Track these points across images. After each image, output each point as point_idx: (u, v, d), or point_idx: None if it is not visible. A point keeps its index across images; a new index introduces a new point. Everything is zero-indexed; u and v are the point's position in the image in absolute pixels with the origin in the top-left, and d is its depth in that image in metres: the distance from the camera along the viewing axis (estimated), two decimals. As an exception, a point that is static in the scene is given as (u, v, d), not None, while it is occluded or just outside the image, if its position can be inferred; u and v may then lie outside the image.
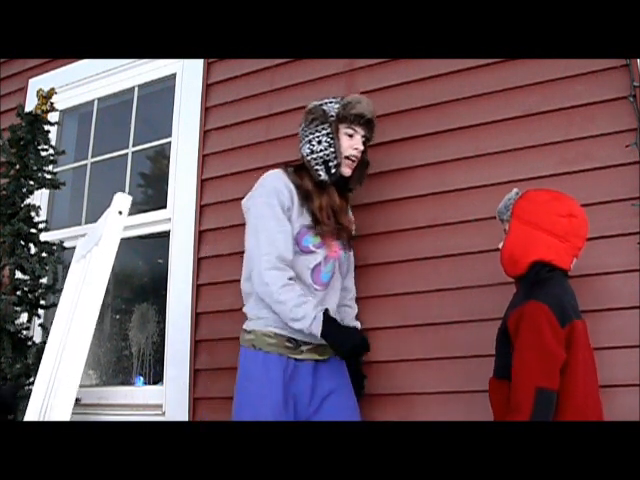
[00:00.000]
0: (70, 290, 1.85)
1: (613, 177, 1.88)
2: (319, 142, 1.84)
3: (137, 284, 3.56)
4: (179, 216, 2.62)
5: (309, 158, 1.85)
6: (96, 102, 3.11)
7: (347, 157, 1.86)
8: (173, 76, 2.83)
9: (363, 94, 2.30)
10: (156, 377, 2.97)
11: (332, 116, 1.86)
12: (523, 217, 1.55)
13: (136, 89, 2.98)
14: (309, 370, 1.82)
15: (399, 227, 2.15)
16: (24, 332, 2.41)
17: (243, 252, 2.41)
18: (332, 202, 1.87)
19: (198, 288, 2.50)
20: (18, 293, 2.45)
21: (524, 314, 1.45)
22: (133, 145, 2.94)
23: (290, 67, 2.49)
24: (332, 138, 1.84)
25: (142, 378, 3.16)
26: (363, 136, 1.89)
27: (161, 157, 3.30)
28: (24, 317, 2.46)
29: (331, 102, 1.90)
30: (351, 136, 1.87)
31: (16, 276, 2.48)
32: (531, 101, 2.03)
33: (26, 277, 2.46)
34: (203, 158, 2.62)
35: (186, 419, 2.35)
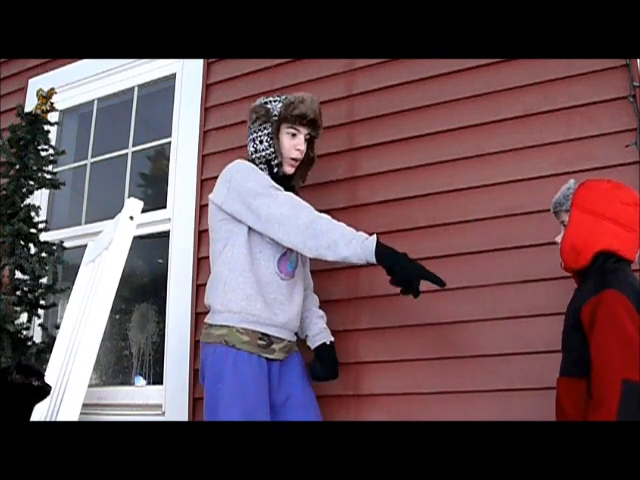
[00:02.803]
0: (79, 294, 1.86)
1: (613, 177, 1.86)
2: (261, 142, 1.87)
3: (137, 284, 3.55)
4: (179, 216, 2.62)
5: (253, 157, 1.89)
6: (96, 102, 3.11)
7: (290, 157, 1.87)
8: (173, 76, 2.83)
9: (363, 94, 2.32)
10: (156, 377, 2.97)
11: (275, 116, 1.86)
12: (585, 206, 1.49)
13: (136, 89, 2.98)
14: (277, 368, 1.82)
15: (399, 227, 2.15)
16: (24, 332, 2.41)
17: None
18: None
19: (198, 288, 2.50)
20: (18, 293, 2.45)
21: (600, 304, 1.38)
22: (133, 145, 2.94)
23: (290, 67, 2.49)
24: (272, 138, 1.86)
25: (141, 378, 3.16)
26: (307, 134, 1.90)
27: (161, 157, 3.30)
28: (24, 317, 2.46)
29: (275, 101, 1.90)
30: (294, 135, 1.88)
31: (16, 276, 2.48)
32: (531, 101, 2.03)
33: (26, 277, 2.46)
34: (203, 158, 2.62)
35: (186, 419, 2.35)
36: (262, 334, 1.77)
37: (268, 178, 1.83)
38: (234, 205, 1.80)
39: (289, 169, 1.89)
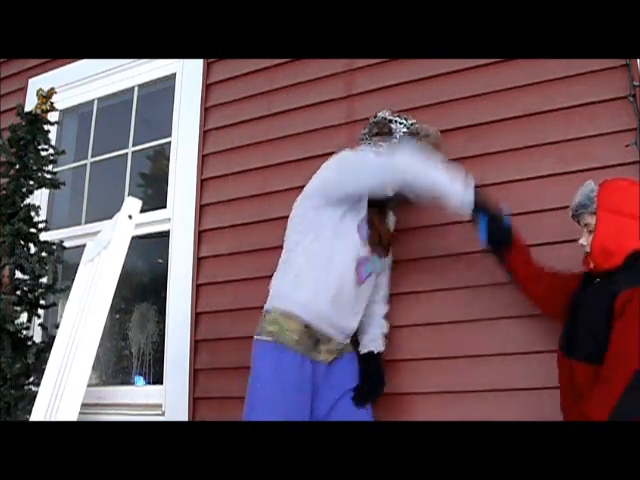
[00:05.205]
0: (78, 293, 1.85)
1: (613, 177, 1.88)
2: None
3: (137, 284, 3.56)
4: (179, 216, 2.62)
5: None
6: (96, 102, 3.12)
7: None
8: (173, 76, 2.84)
9: (362, 94, 2.33)
10: (156, 377, 2.97)
11: (396, 138, 1.84)
12: (610, 207, 1.50)
13: (136, 89, 2.99)
14: (323, 370, 1.81)
15: (399, 226, 2.15)
16: (24, 332, 2.41)
17: (243, 252, 2.43)
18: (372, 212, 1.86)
19: (198, 288, 2.50)
20: (18, 293, 2.45)
21: (635, 296, 1.40)
22: (133, 145, 2.94)
23: (290, 67, 2.49)
24: None
25: (142, 378, 3.16)
26: None
27: (161, 157, 3.30)
28: (24, 317, 2.46)
29: (401, 122, 1.87)
30: None
31: (16, 276, 2.48)
32: (530, 101, 2.03)
33: (26, 277, 2.46)
34: (203, 158, 2.62)
35: (186, 419, 2.35)
36: (312, 332, 1.75)
37: None
38: (344, 173, 1.79)
39: (389, 191, 1.85)
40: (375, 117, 1.92)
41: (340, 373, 1.85)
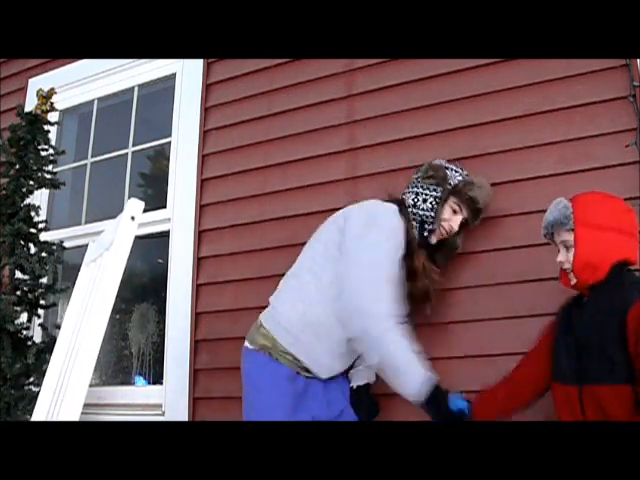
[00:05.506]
0: (80, 294, 1.85)
1: (613, 177, 1.88)
2: (424, 201, 1.84)
3: (137, 284, 3.55)
4: (179, 216, 2.62)
5: (409, 210, 1.85)
6: (96, 102, 3.12)
7: (439, 227, 1.85)
8: (173, 76, 2.84)
9: (362, 94, 2.33)
10: (156, 377, 2.97)
11: (450, 185, 1.85)
12: (588, 222, 1.49)
13: (136, 89, 2.99)
14: (320, 385, 1.82)
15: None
16: (24, 332, 2.41)
17: (243, 252, 2.43)
18: (425, 262, 1.85)
19: (198, 288, 2.50)
20: (18, 293, 2.45)
21: None
22: (133, 145, 2.95)
23: (290, 67, 2.49)
24: (438, 204, 1.83)
25: (142, 378, 3.16)
26: (465, 218, 1.88)
27: (161, 157, 3.30)
28: (24, 317, 2.47)
29: (457, 171, 1.89)
30: (455, 212, 1.86)
31: (16, 276, 2.48)
32: (531, 101, 2.03)
33: (26, 277, 2.46)
34: (203, 158, 2.63)
35: (186, 419, 2.35)
36: (301, 364, 1.77)
37: (400, 253, 1.78)
38: (352, 245, 1.75)
39: (434, 238, 1.86)
40: (430, 163, 1.92)
41: (337, 390, 1.86)
